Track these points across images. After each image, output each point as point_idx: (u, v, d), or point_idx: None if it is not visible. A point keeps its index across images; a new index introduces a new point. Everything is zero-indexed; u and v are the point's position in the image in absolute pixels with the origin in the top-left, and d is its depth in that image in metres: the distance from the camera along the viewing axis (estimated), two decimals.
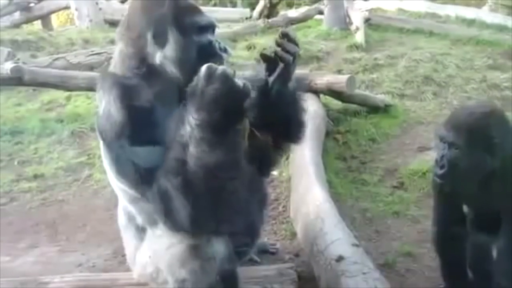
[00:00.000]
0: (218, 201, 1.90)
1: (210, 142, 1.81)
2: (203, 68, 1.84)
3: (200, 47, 2.08)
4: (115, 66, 2.16)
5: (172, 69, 2.05)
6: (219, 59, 2.05)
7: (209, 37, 2.11)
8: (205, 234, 2.06)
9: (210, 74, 1.82)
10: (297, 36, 2.16)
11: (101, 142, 2.15)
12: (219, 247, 2.11)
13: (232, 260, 2.21)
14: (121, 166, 2.04)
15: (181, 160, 1.84)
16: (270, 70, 2.11)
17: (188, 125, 1.83)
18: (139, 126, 1.95)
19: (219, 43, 2.12)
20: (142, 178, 1.97)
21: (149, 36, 2.04)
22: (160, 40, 2.04)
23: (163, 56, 2.05)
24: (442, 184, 2.30)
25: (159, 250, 2.14)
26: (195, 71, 1.90)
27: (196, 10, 2.13)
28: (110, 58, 6.24)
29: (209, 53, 2.06)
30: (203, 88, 1.82)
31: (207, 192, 1.86)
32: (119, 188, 2.18)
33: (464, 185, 2.27)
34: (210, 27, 2.13)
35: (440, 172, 2.24)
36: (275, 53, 2.08)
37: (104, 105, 2.02)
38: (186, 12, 2.09)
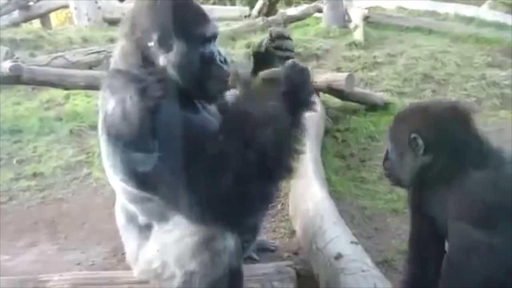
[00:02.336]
0: (262, 188, 2.00)
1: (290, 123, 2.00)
2: (289, 62, 2.08)
3: (203, 58, 2.10)
4: (116, 63, 2.15)
5: (173, 73, 2.07)
6: (220, 70, 2.12)
7: (212, 47, 2.13)
8: (233, 224, 2.10)
9: (294, 66, 2.05)
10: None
11: (103, 142, 2.11)
12: (230, 241, 2.10)
13: (239, 255, 2.22)
14: (130, 165, 2.01)
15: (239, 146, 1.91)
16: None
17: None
18: (159, 123, 1.94)
19: (220, 53, 2.15)
20: (158, 175, 1.96)
21: (154, 38, 2.05)
22: (165, 45, 2.05)
23: (167, 60, 2.06)
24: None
25: (169, 243, 2.12)
26: (195, 78, 2.06)
27: (202, 17, 2.13)
28: (109, 56, 6.22)
29: (211, 63, 2.11)
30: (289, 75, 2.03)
31: (255, 177, 1.93)
32: (121, 188, 2.17)
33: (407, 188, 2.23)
34: (214, 37, 2.15)
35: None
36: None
37: (115, 103, 1.98)
38: (192, 21, 2.10)
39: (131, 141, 1.96)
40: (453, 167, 1.98)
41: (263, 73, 2.15)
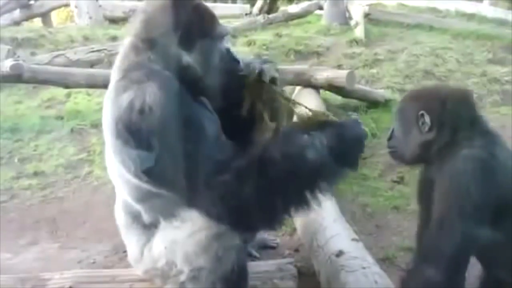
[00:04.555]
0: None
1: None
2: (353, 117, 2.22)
3: (222, 55, 2.20)
4: (128, 59, 2.13)
5: (195, 70, 2.12)
6: (237, 64, 2.22)
7: (227, 44, 2.23)
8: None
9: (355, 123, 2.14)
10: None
11: (111, 137, 2.07)
12: (237, 238, 2.11)
13: (245, 252, 2.25)
14: (146, 159, 1.99)
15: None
16: None
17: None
18: (181, 116, 1.96)
19: (232, 50, 2.26)
20: (178, 170, 1.96)
21: (175, 38, 2.08)
22: (187, 44, 2.10)
23: (190, 58, 2.10)
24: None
25: (178, 239, 2.12)
26: (217, 74, 2.16)
27: (215, 17, 2.21)
28: (110, 55, 6.17)
29: (229, 58, 2.21)
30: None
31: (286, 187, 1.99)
32: (128, 186, 2.14)
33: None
34: (227, 35, 2.25)
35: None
36: None
37: (132, 96, 1.97)
38: (209, 20, 2.18)
39: (151, 134, 1.95)
40: (451, 145, 2.05)
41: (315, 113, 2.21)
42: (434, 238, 1.96)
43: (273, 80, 2.27)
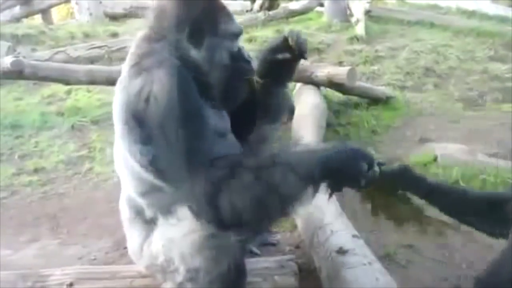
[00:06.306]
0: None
1: None
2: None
3: (232, 53, 2.17)
4: (141, 48, 2.12)
5: (203, 69, 2.10)
6: (248, 65, 2.21)
7: (238, 43, 2.21)
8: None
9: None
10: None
11: (121, 124, 2.07)
12: (233, 237, 2.08)
13: (242, 252, 2.22)
14: (152, 148, 1.99)
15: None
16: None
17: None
18: (194, 108, 1.97)
19: (244, 50, 2.23)
20: (180, 161, 1.95)
21: (185, 33, 2.08)
22: (195, 40, 2.09)
23: (197, 55, 2.10)
24: None
25: (175, 238, 2.11)
26: (225, 72, 2.13)
27: (229, 15, 2.19)
28: (111, 51, 6.17)
29: (240, 59, 2.19)
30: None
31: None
32: (134, 178, 2.15)
33: None
34: (240, 35, 2.23)
35: None
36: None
37: (142, 83, 1.97)
38: (222, 18, 2.15)
39: (157, 121, 1.94)
40: None
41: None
42: None
43: (300, 50, 2.28)
